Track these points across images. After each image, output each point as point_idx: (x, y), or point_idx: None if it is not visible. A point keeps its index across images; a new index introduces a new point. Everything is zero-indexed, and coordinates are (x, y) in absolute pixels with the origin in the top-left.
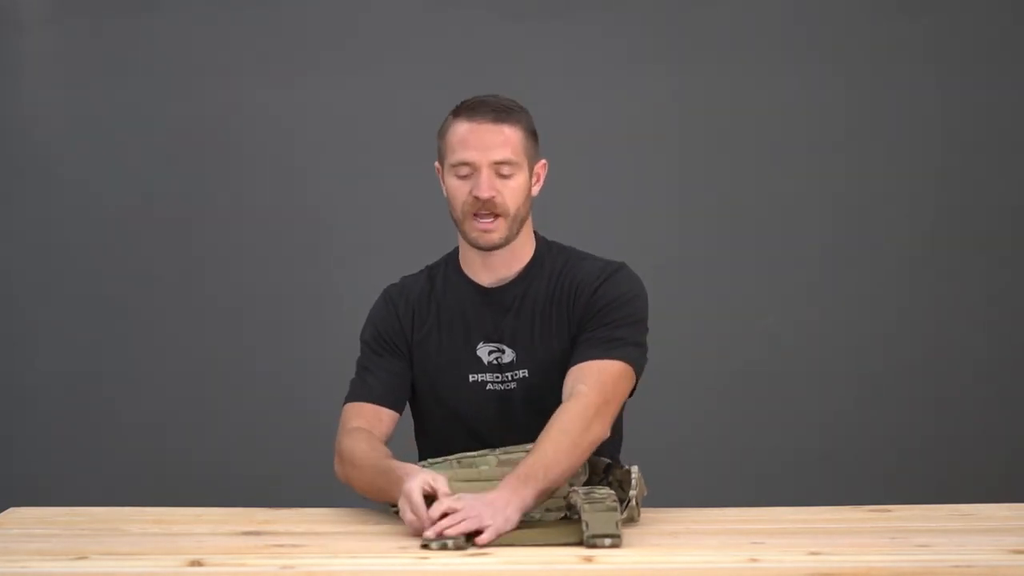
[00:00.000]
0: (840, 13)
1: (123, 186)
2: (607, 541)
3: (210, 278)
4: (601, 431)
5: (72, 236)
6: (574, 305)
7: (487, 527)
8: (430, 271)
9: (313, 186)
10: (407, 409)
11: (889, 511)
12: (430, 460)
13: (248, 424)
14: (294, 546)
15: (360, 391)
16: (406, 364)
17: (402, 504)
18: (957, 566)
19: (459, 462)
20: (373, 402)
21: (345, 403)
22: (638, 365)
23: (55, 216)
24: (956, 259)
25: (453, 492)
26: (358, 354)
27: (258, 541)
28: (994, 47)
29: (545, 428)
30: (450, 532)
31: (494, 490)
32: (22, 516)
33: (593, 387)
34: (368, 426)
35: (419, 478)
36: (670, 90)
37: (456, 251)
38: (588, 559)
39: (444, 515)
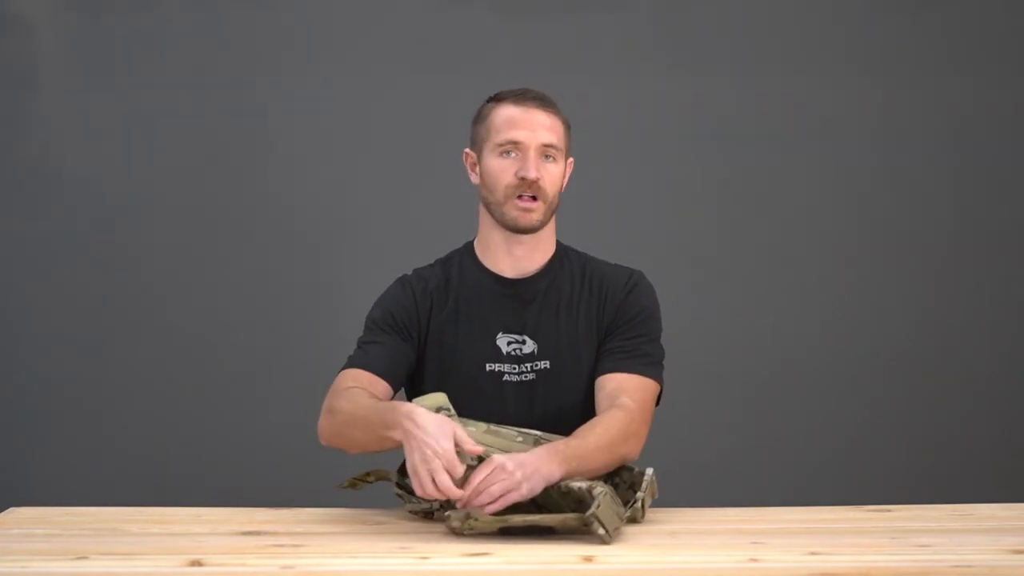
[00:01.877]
0: (849, 12)
1: (124, 185)
2: (601, 531)
3: (211, 278)
4: (635, 449)
5: (73, 235)
6: (605, 305)
7: (512, 493)
8: (444, 263)
9: (314, 186)
10: None
11: (889, 511)
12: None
13: (248, 424)
14: (294, 546)
15: (360, 359)
16: (410, 347)
17: (429, 454)
18: (957, 566)
19: (488, 429)
20: (371, 371)
21: (348, 366)
22: (662, 388)
23: (56, 215)
24: (956, 260)
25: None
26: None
27: (258, 541)
28: (1009, 45)
29: (590, 423)
30: (482, 499)
31: (527, 453)
32: (22, 516)
33: (638, 405)
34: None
35: (453, 424)
36: (672, 90)
37: (470, 244)
38: (588, 559)
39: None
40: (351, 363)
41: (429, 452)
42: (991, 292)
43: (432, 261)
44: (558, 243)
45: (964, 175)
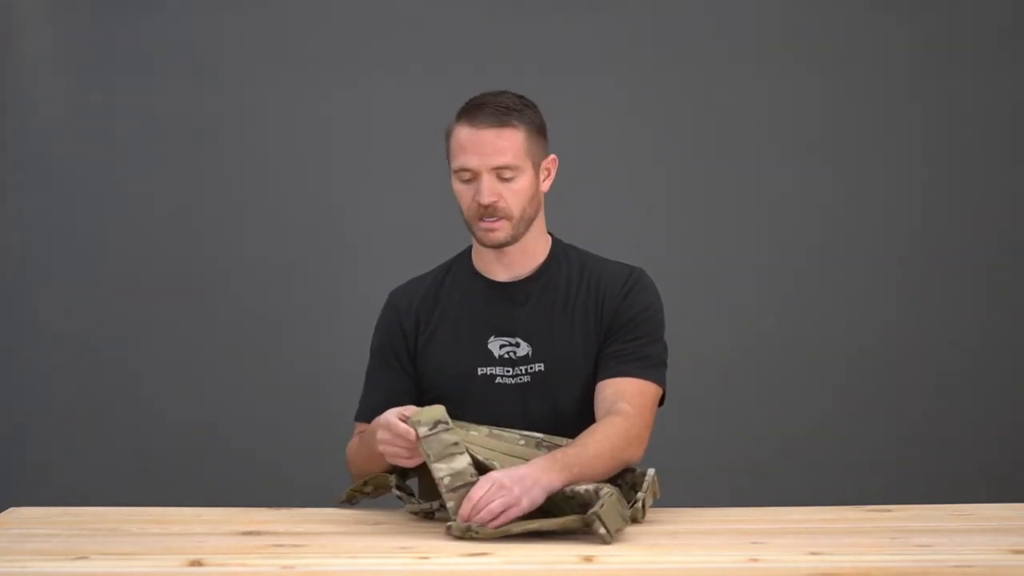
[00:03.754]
0: (837, 13)
1: (124, 185)
2: (602, 530)
3: (211, 278)
4: (637, 454)
5: (72, 235)
6: (603, 306)
7: (512, 508)
8: (439, 271)
9: (314, 186)
10: None
11: (889, 511)
12: (458, 422)
13: (249, 424)
14: (294, 546)
15: (362, 413)
16: (407, 378)
17: (381, 434)
18: (957, 566)
19: (490, 433)
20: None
21: (355, 419)
22: (665, 388)
23: (55, 215)
24: (956, 259)
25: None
26: (360, 354)
27: (258, 541)
28: (991, 47)
29: (589, 430)
30: (483, 516)
31: (524, 465)
32: (22, 516)
33: (637, 410)
34: None
35: (393, 410)
36: (669, 90)
37: (468, 250)
38: (588, 559)
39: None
40: (357, 417)
41: (381, 435)
42: (992, 292)
43: (434, 266)
44: (557, 241)
45: (966, 175)
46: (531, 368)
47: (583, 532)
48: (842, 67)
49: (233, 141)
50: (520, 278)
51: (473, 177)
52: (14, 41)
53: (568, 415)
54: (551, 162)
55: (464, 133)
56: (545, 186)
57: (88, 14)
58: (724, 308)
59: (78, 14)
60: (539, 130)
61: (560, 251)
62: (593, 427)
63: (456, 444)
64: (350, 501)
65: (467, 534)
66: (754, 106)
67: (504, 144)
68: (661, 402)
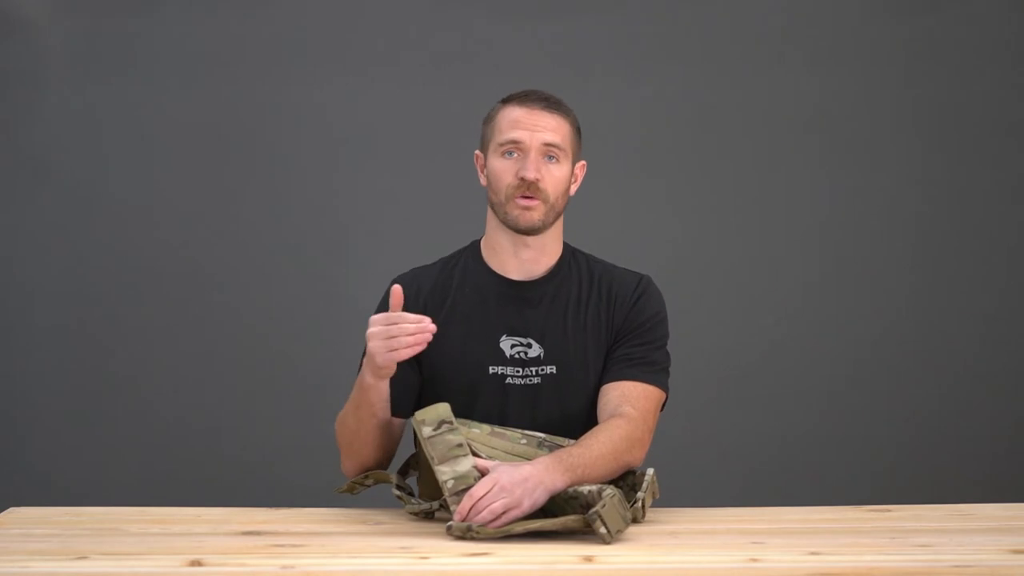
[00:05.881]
0: (840, 14)
1: (124, 186)
2: (603, 529)
3: (211, 278)
4: (639, 457)
5: (72, 236)
6: (614, 311)
7: (514, 509)
8: (445, 263)
9: (315, 186)
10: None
11: (889, 511)
12: (460, 420)
13: (249, 424)
14: (294, 546)
15: None
16: (407, 365)
17: (376, 329)
18: (957, 566)
19: (492, 431)
20: None
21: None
22: (668, 394)
23: (56, 216)
24: (955, 259)
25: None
26: (359, 353)
27: (258, 541)
28: (993, 47)
29: (593, 431)
30: (484, 516)
31: (529, 464)
32: (22, 516)
33: (640, 413)
34: None
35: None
36: (670, 91)
37: (476, 245)
38: (588, 559)
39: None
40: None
41: (375, 329)
42: (993, 292)
43: (435, 260)
44: (566, 244)
45: (970, 174)
46: (542, 370)
47: (584, 532)
48: (849, 68)
49: (235, 142)
50: (534, 278)
51: (519, 152)
52: (17, 42)
53: (576, 418)
54: (580, 167)
55: (517, 111)
56: (572, 189)
57: (90, 15)
58: (725, 309)
59: (80, 16)
60: (579, 131)
61: (570, 255)
62: (596, 429)
63: (460, 445)
64: (351, 491)
65: (467, 534)
66: (757, 109)
67: (556, 124)
68: (662, 407)
